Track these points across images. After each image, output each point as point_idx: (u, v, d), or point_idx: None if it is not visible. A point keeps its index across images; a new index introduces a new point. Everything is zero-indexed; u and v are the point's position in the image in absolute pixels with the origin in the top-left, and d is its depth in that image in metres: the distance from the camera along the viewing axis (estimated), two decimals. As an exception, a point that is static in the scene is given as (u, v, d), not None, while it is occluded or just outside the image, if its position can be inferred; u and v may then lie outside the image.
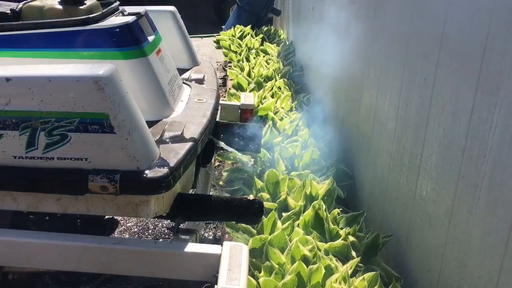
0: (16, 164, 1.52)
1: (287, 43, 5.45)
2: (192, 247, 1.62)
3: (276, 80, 4.06)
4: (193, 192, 2.19)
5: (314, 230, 2.09)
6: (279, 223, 2.15)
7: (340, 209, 2.33)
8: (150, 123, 1.79)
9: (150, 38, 2.04)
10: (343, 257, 1.97)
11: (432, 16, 1.74)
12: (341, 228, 2.14)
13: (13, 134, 1.48)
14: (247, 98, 2.71)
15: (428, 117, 1.75)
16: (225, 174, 2.84)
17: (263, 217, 2.05)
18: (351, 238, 2.03)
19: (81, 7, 2.01)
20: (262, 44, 5.39)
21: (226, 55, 5.31)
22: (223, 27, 6.70)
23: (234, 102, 3.07)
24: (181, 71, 2.55)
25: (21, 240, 1.63)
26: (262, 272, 1.87)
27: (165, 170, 1.53)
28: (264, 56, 4.89)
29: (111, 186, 1.48)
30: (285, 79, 4.12)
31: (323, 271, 1.80)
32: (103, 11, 2.00)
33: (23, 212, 1.79)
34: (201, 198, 1.91)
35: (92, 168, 1.50)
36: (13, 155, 1.51)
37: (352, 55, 2.83)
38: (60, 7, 2.01)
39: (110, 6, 2.08)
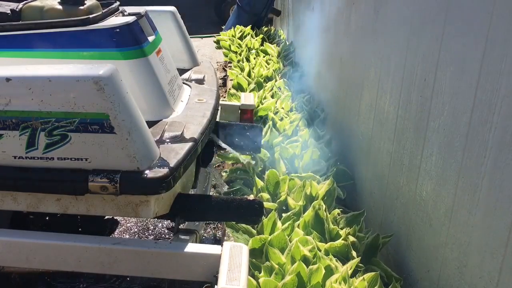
0: (16, 164, 1.52)
1: (287, 43, 5.45)
2: (192, 247, 1.62)
3: (276, 80, 4.06)
4: (193, 192, 2.19)
5: (314, 231, 2.09)
6: (279, 223, 2.14)
7: (340, 209, 2.33)
8: (150, 123, 1.79)
9: (150, 38, 2.04)
10: (343, 257, 1.97)
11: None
12: (341, 228, 2.14)
13: (13, 134, 1.49)
14: (247, 99, 2.71)
15: (428, 117, 1.75)
16: (225, 174, 2.84)
17: (263, 217, 2.05)
18: (351, 238, 2.03)
19: (81, 7, 2.01)
20: (262, 45, 5.38)
21: (226, 55, 5.31)
22: (223, 27, 6.70)
23: (234, 102, 3.07)
24: (181, 71, 2.55)
25: (21, 240, 1.63)
26: (262, 273, 1.87)
27: (165, 171, 1.53)
28: (264, 57, 4.89)
29: (111, 186, 1.48)
30: (285, 79, 4.12)
31: (323, 271, 1.80)
32: (103, 11, 2.00)
33: (23, 212, 1.79)
34: (201, 198, 1.92)
35: (92, 168, 1.50)
36: (13, 155, 1.51)
37: (352, 55, 2.83)
38: (60, 7, 2.01)
39: (110, 7, 2.08)
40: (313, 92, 3.86)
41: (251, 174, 2.67)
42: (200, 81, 2.45)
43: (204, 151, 1.97)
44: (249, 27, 5.94)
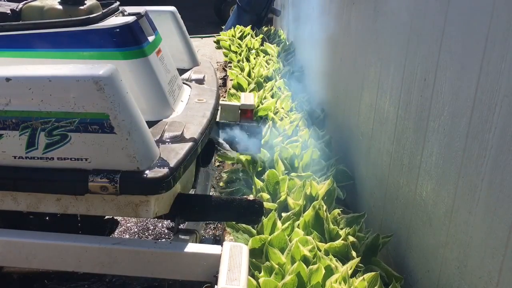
0: (16, 164, 1.52)
1: (287, 43, 5.45)
2: (192, 247, 1.62)
3: (276, 80, 4.06)
4: (193, 192, 2.19)
5: (314, 231, 2.09)
6: (279, 223, 2.14)
7: (341, 209, 2.33)
8: (150, 123, 1.79)
9: (150, 38, 2.04)
10: (343, 258, 1.97)
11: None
12: (341, 229, 2.14)
13: (13, 134, 1.49)
14: (247, 99, 2.71)
15: (428, 117, 1.75)
16: (225, 175, 2.84)
17: (263, 217, 2.05)
18: (351, 239, 2.03)
19: (81, 7, 2.01)
20: (262, 44, 5.39)
21: (226, 55, 5.31)
22: (223, 27, 6.70)
23: (234, 102, 3.07)
24: (181, 71, 2.55)
25: (21, 240, 1.63)
26: (262, 273, 1.87)
27: (165, 170, 1.53)
28: (264, 57, 4.89)
29: (111, 186, 1.48)
30: (285, 79, 4.13)
31: (323, 271, 1.80)
32: (103, 11, 2.00)
33: (23, 212, 1.79)
34: (201, 198, 1.92)
35: (92, 168, 1.50)
36: (13, 155, 1.51)
37: (352, 55, 2.83)
38: (60, 7, 2.01)
39: (110, 7, 2.08)
40: (313, 92, 3.86)
41: (251, 174, 2.67)
42: (200, 81, 2.45)
43: (204, 151, 1.97)
44: (249, 27, 5.94)
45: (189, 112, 2.01)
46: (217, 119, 2.37)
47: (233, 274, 1.44)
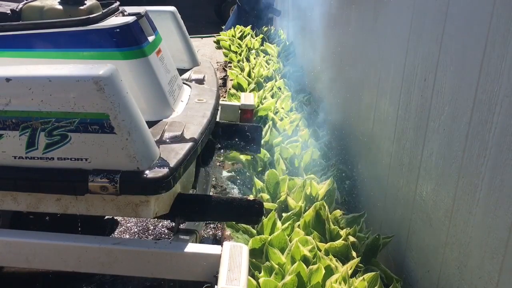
0: (16, 164, 1.52)
1: (287, 43, 5.45)
2: (192, 247, 1.62)
3: (276, 80, 4.06)
4: (193, 192, 2.19)
5: (315, 231, 2.09)
6: (279, 223, 2.14)
7: (341, 209, 2.33)
8: (150, 123, 1.79)
9: (150, 38, 2.04)
10: (343, 258, 1.97)
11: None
12: (342, 229, 2.14)
13: (13, 134, 1.49)
14: (247, 99, 2.71)
15: (428, 117, 1.75)
16: (224, 175, 2.84)
17: (263, 217, 2.05)
18: (351, 239, 2.03)
19: (81, 7, 2.01)
20: (262, 45, 5.39)
21: (226, 56, 5.32)
22: (223, 27, 6.70)
23: (234, 102, 3.07)
24: (181, 71, 2.55)
25: (21, 240, 1.63)
26: (262, 273, 1.87)
27: (165, 171, 1.53)
28: (264, 57, 4.90)
29: (111, 187, 1.48)
30: (285, 79, 4.13)
31: (323, 271, 1.80)
32: (103, 11, 2.00)
33: (23, 212, 1.79)
34: (201, 198, 1.91)
35: (92, 168, 1.50)
36: (13, 155, 1.51)
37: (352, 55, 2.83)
38: (60, 7, 2.01)
39: (110, 7, 2.08)
40: (313, 92, 3.86)
41: (251, 175, 2.67)
42: (200, 81, 2.44)
43: (204, 151, 1.97)
44: (249, 27, 5.94)
45: (189, 112, 2.01)
46: (217, 119, 2.37)
47: (233, 274, 1.44)
